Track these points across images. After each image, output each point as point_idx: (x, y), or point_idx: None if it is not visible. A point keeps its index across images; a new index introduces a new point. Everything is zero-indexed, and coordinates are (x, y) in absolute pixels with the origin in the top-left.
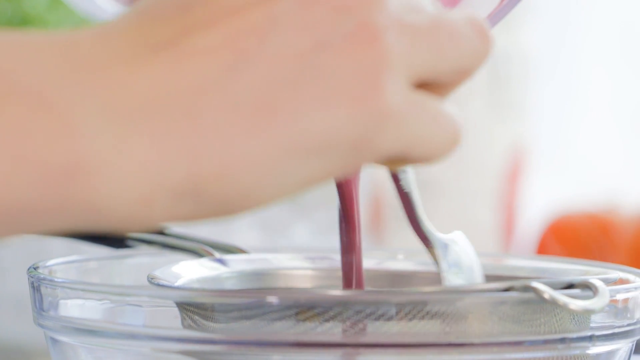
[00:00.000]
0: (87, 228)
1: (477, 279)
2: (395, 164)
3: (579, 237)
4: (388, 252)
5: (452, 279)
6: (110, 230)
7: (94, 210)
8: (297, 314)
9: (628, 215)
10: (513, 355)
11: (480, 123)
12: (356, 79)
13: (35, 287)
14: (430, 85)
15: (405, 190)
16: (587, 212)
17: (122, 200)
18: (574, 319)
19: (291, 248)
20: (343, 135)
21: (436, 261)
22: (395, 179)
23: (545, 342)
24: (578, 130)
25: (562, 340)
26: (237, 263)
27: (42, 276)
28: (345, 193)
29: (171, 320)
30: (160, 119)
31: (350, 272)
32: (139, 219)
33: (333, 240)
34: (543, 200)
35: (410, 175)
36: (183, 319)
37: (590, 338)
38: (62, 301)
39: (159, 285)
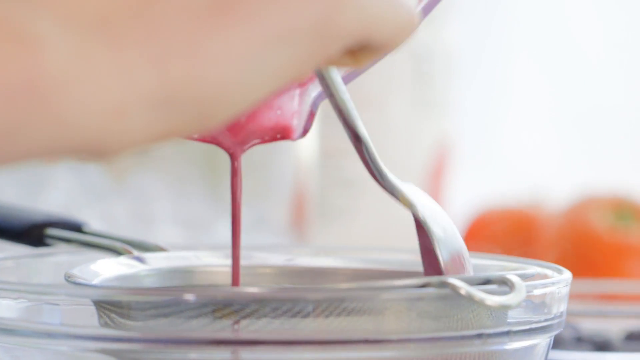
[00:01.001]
0: (64, 146)
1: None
2: (358, 55)
3: (503, 233)
4: (309, 249)
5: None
6: (89, 148)
7: (65, 126)
8: (213, 311)
9: (552, 211)
10: (430, 352)
11: (403, 120)
12: None
13: None
14: None
15: (361, 138)
16: (511, 208)
17: (93, 112)
18: (491, 314)
19: (211, 245)
20: (304, 18)
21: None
22: (356, 143)
23: (463, 338)
24: (502, 126)
25: (480, 336)
26: (155, 261)
27: None
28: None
29: (89, 318)
30: (120, 29)
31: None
32: (115, 132)
33: (255, 238)
34: (467, 197)
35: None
36: (100, 317)
37: (508, 333)
38: None
39: (76, 283)
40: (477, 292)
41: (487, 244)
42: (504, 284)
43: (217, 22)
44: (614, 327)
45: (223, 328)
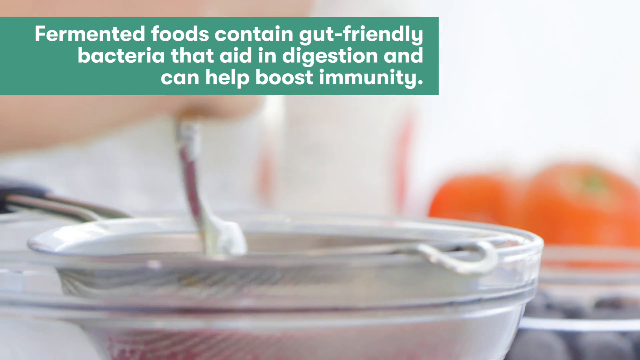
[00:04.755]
0: None
1: None
2: (197, 114)
3: (470, 199)
4: (276, 215)
5: None
6: None
7: None
8: (179, 279)
9: (519, 177)
10: (400, 320)
11: None
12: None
13: None
14: None
15: (189, 160)
16: (478, 174)
17: None
18: (462, 282)
19: (176, 212)
20: None
21: (205, 245)
22: (182, 153)
23: (433, 306)
24: (470, 92)
25: (450, 304)
26: (119, 227)
27: None
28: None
29: (52, 287)
30: None
31: None
32: None
33: (221, 204)
34: (435, 163)
35: (197, 144)
36: (64, 285)
37: (479, 301)
38: None
39: (38, 251)
40: (448, 260)
41: (454, 210)
42: (475, 251)
43: None
44: (584, 295)
45: (189, 296)
